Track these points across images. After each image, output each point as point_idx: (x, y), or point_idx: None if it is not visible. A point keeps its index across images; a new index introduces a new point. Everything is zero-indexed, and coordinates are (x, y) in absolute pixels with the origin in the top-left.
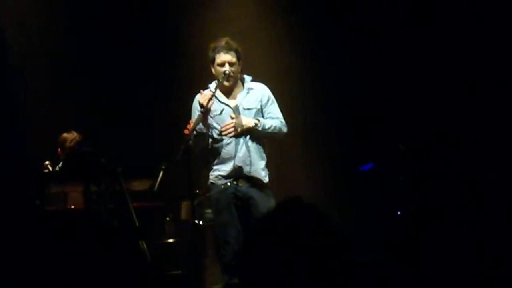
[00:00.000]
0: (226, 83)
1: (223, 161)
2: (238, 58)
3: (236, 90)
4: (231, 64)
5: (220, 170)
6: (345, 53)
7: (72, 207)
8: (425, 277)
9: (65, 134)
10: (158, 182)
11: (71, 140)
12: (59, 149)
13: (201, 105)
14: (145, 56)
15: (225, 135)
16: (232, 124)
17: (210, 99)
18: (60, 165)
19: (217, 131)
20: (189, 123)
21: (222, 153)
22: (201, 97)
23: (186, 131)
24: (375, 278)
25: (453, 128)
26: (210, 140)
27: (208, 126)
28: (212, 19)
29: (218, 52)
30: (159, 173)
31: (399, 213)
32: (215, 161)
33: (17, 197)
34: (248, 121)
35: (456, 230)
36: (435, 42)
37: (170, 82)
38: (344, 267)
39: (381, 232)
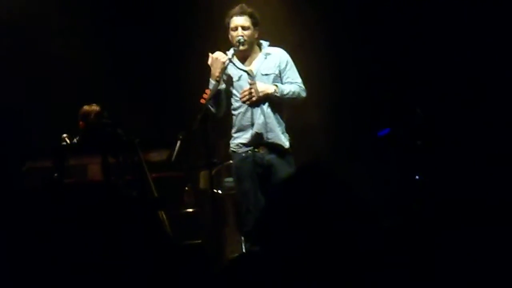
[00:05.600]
0: (241, 47)
1: (243, 129)
2: (253, 23)
3: (253, 55)
4: (244, 28)
5: (241, 138)
6: (360, 18)
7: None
8: (443, 243)
9: (86, 107)
10: (175, 152)
11: (95, 114)
12: (80, 122)
13: (216, 59)
14: (161, 28)
15: (244, 102)
16: (250, 91)
17: (224, 68)
18: (77, 137)
19: (236, 98)
20: (205, 93)
21: (242, 121)
22: (216, 54)
23: (202, 101)
24: (394, 244)
25: (472, 92)
26: (230, 107)
27: (226, 89)
28: None
29: (231, 17)
30: (177, 143)
31: (417, 177)
32: (235, 129)
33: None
34: (266, 87)
35: (474, 196)
36: (455, 9)
37: (185, 53)
38: (365, 233)
39: (399, 197)
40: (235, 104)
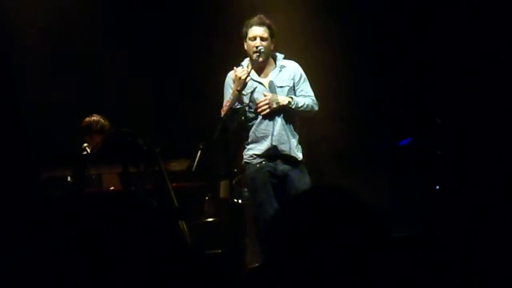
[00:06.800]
0: (260, 59)
1: (258, 140)
2: (270, 35)
3: (268, 68)
4: (262, 39)
5: (255, 149)
6: (380, 25)
7: (111, 188)
8: (463, 252)
9: (87, 119)
10: (196, 162)
11: (96, 124)
12: (86, 136)
13: (239, 78)
14: (182, 39)
15: (259, 112)
16: (267, 102)
17: (246, 76)
18: (88, 148)
19: (250, 109)
20: (225, 103)
21: (256, 132)
22: (238, 72)
23: (222, 111)
24: (412, 254)
25: (492, 101)
26: (243, 118)
27: (242, 102)
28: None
29: (251, 26)
30: (197, 153)
31: (437, 187)
32: (249, 140)
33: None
34: (282, 99)
35: (496, 205)
36: (473, 15)
37: (206, 64)
38: (378, 245)
39: (419, 207)
40: (250, 115)
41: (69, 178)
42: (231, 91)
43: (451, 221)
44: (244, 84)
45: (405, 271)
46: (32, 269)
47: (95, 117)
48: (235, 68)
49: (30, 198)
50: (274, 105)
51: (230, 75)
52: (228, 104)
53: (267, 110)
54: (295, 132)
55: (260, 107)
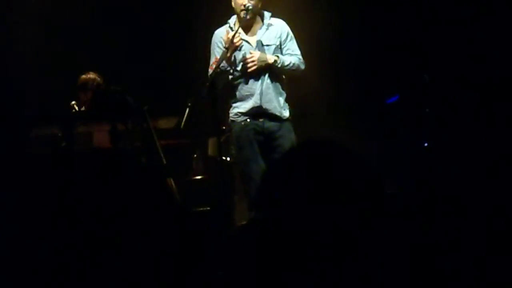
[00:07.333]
0: (248, 16)
1: (243, 98)
2: None
3: (255, 26)
4: None
5: (240, 107)
6: None
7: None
8: (450, 209)
9: (83, 76)
10: (184, 120)
11: (92, 81)
12: (80, 92)
13: (231, 41)
14: None
15: (245, 70)
16: (253, 59)
17: (234, 37)
18: (80, 106)
19: (236, 68)
20: (213, 60)
21: (241, 90)
22: (231, 35)
23: (210, 68)
24: (401, 211)
25: (480, 57)
26: (229, 77)
27: (232, 63)
28: None
29: None
30: (185, 111)
31: (425, 144)
32: (235, 99)
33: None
34: (268, 57)
35: (483, 161)
36: None
37: (193, 19)
38: (370, 201)
39: (407, 164)
40: (236, 73)
41: (59, 134)
42: (218, 49)
43: (439, 178)
44: (235, 48)
45: (395, 229)
46: (19, 226)
47: (91, 75)
48: (227, 30)
49: (19, 155)
50: (261, 63)
51: (218, 34)
52: (216, 62)
53: (253, 68)
54: (282, 91)
55: (246, 64)
